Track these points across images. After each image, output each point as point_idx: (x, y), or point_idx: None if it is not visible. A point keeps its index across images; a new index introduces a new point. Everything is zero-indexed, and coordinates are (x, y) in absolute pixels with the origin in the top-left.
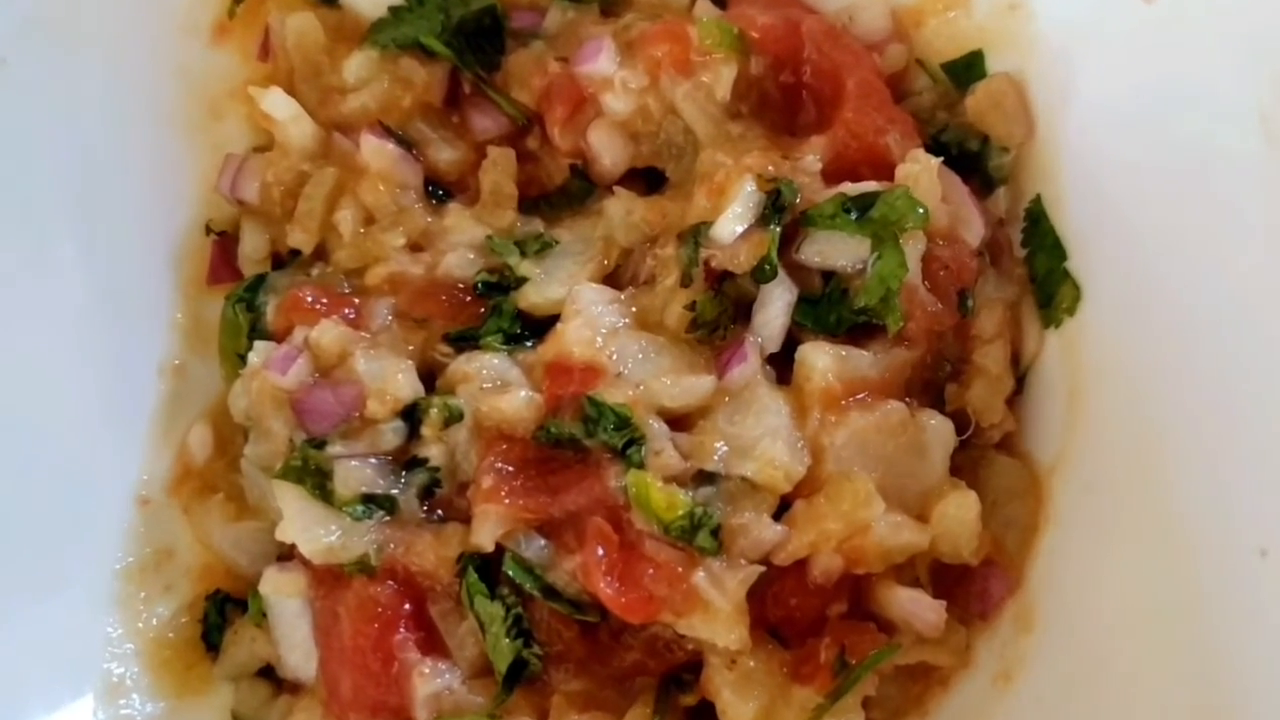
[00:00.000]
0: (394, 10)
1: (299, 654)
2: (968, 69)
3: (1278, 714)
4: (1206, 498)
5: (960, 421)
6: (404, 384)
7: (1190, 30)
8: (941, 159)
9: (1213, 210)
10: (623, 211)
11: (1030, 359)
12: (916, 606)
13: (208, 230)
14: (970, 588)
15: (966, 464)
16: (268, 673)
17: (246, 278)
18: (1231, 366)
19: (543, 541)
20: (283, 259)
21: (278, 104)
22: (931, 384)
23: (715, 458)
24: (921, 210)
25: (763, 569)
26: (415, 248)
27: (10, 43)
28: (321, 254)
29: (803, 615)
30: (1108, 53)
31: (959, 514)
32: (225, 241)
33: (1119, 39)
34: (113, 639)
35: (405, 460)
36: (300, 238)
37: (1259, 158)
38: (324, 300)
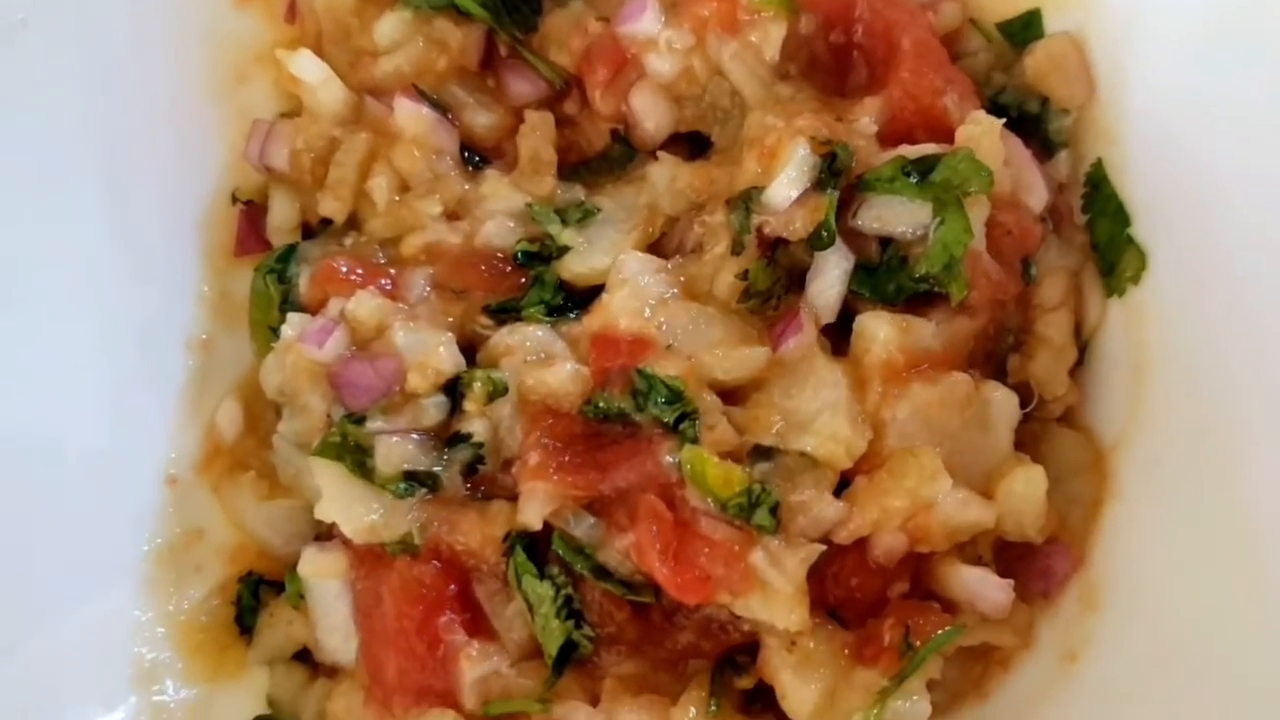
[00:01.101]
0: None
1: (338, 637)
2: (1025, 28)
3: None
4: (1271, 457)
5: (1023, 394)
6: (445, 357)
7: None
8: (1002, 121)
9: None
10: (667, 178)
11: (1093, 329)
12: (983, 586)
13: (234, 199)
14: (1033, 565)
15: (1028, 438)
16: (304, 656)
17: (276, 248)
18: None
19: (592, 520)
20: (313, 229)
21: (307, 67)
22: (994, 355)
23: (772, 432)
24: (986, 174)
25: (823, 548)
26: (452, 216)
27: (30, 2)
28: (354, 223)
29: (864, 595)
30: (1174, 9)
31: (1027, 490)
32: (252, 211)
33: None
34: (143, 623)
35: (447, 436)
36: (332, 206)
37: None
38: (359, 271)
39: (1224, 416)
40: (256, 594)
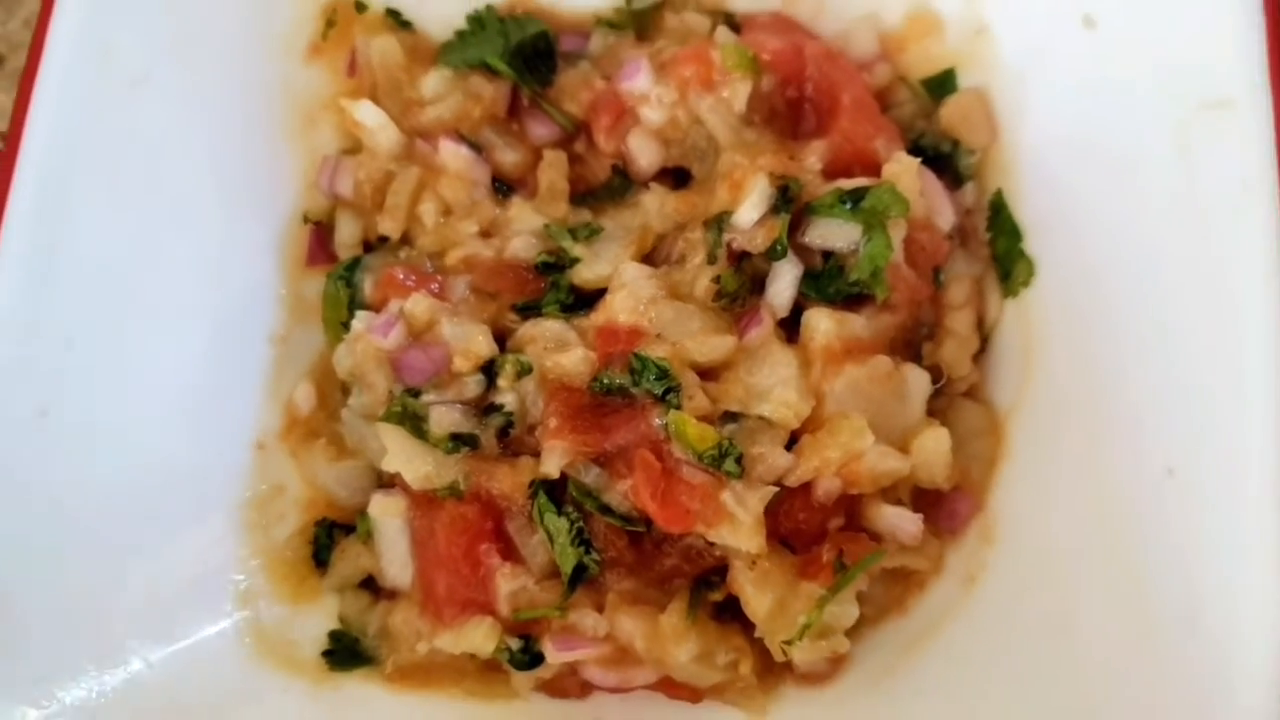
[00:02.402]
0: (459, 34)
1: (398, 565)
2: (941, 85)
3: (1180, 612)
4: (1128, 431)
5: (935, 373)
6: (483, 344)
7: (1123, 55)
8: (920, 159)
9: (1136, 202)
10: (657, 204)
11: (992, 323)
12: (901, 520)
13: (305, 220)
14: (942, 508)
15: (939, 408)
16: (367, 584)
17: (343, 260)
18: (1147, 324)
19: (598, 470)
20: (372, 244)
21: (368, 114)
22: (911, 343)
23: (738, 401)
24: (904, 202)
25: (776, 489)
26: (486, 234)
27: (154, 61)
28: (407, 240)
29: (808, 527)
30: (1057, 72)
31: (935, 447)
32: (320, 230)
33: (1066, 60)
34: (241, 557)
35: (484, 406)
36: (389, 226)
37: (1172, 161)
38: (413, 278)
39: (1092, 391)
40: (330, 535)
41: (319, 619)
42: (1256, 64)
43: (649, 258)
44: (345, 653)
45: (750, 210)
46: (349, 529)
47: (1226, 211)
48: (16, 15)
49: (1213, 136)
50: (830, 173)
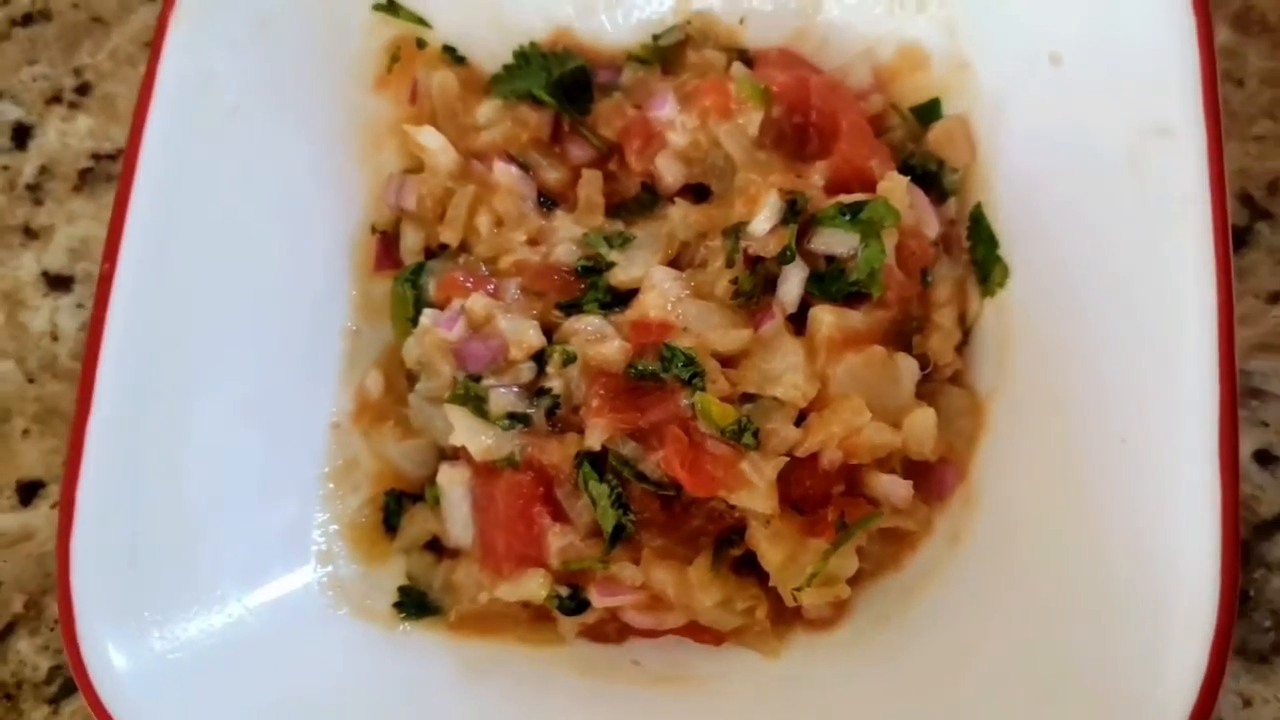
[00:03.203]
0: (507, 68)
1: (460, 527)
2: (928, 111)
3: (1131, 555)
4: (1089, 406)
5: (923, 361)
6: (534, 337)
7: (1084, 88)
8: (909, 177)
9: (1094, 214)
10: (681, 215)
11: (973, 318)
12: (894, 487)
13: (373, 229)
14: (931, 477)
15: (927, 392)
16: (431, 546)
17: (408, 265)
18: (1104, 315)
19: (634, 443)
20: (433, 251)
21: (429, 137)
22: (902, 335)
23: (753, 384)
24: (896, 214)
25: (787, 459)
26: (533, 242)
27: (246, 92)
28: (464, 247)
29: (815, 492)
30: (1028, 101)
31: (923, 424)
32: (386, 238)
33: (1036, 92)
34: (321, 522)
35: (536, 389)
36: (449, 235)
37: (1124, 178)
38: (471, 280)
39: (1058, 374)
40: (399, 503)
41: (390, 576)
42: (1193, 99)
43: (675, 262)
44: (413, 604)
45: (763, 221)
46: (415, 498)
47: (1169, 220)
48: (104, 48)
49: (1158, 158)
50: (832, 189)
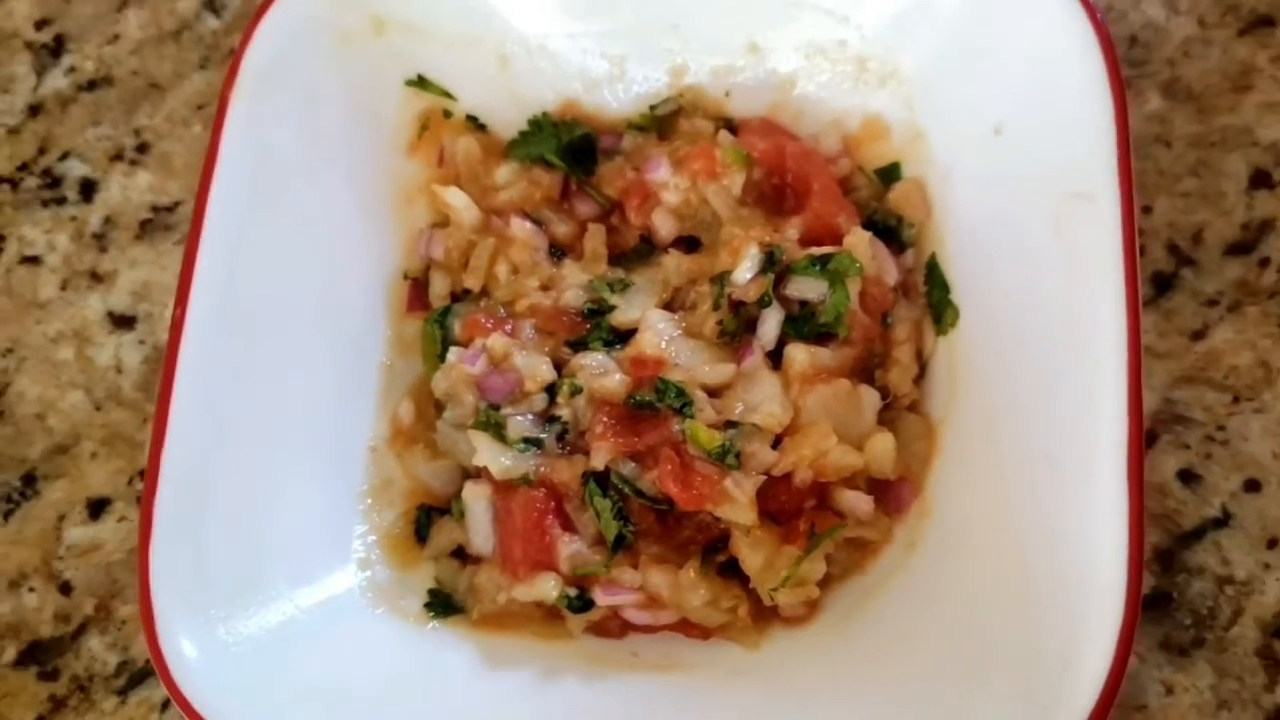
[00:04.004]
0: (522, 134)
1: (482, 536)
2: (890, 174)
3: (1052, 561)
4: (1021, 430)
5: (884, 392)
6: (546, 371)
7: (1020, 155)
8: (872, 232)
9: (1028, 266)
10: (674, 264)
11: (928, 355)
12: (857, 501)
13: (405, 276)
14: (890, 493)
15: (888, 419)
16: (457, 554)
17: (436, 308)
18: (1036, 351)
19: (633, 464)
20: (458, 296)
21: (455, 197)
22: (866, 369)
23: (736, 413)
24: (859, 265)
25: (765, 477)
26: (545, 288)
27: (299, 155)
28: (485, 292)
29: (789, 506)
30: (974, 166)
31: (883, 447)
32: (417, 284)
33: (980, 158)
34: (361, 533)
35: (548, 417)
36: (472, 282)
37: (1051, 237)
38: (491, 321)
39: (999, 403)
40: (429, 516)
41: (420, 580)
42: (1109, 167)
43: (669, 305)
44: (441, 604)
45: (745, 270)
46: (443, 511)
47: (1089, 273)
48: (160, 111)
49: (1080, 219)
50: (805, 242)
